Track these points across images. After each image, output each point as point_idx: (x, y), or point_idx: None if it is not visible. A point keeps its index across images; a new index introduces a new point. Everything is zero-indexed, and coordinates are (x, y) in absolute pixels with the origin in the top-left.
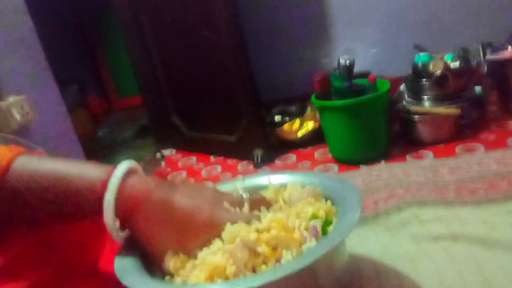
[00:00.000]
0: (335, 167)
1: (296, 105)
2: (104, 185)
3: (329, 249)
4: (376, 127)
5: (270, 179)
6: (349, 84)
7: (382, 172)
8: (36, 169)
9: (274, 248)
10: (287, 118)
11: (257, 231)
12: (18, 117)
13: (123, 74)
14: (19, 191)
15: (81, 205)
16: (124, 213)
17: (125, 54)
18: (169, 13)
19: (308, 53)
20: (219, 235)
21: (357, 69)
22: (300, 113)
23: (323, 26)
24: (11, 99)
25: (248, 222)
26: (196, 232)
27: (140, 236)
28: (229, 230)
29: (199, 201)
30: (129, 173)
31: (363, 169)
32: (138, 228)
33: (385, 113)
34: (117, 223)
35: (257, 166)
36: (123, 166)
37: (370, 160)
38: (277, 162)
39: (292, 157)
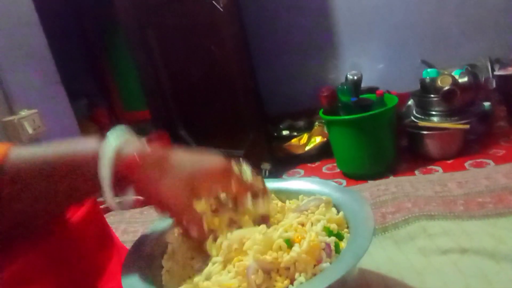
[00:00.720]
0: (343, 182)
1: (304, 120)
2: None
3: (343, 274)
4: (384, 142)
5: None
6: (356, 99)
7: (390, 186)
8: (32, 155)
9: (288, 268)
10: (295, 133)
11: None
12: (30, 130)
13: (131, 88)
14: (20, 181)
15: (81, 176)
16: (123, 172)
17: (132, 68)
18: (175, 27)
19: (314, 68)
20: (231, 176)
21: (364, 84)
22: (308, 128)
23: (330, 41)
24: (24, 113)
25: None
26: (207, 169)
27: (145, 193)
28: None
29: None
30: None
31: (371, 183)
32: (142, 185)
33: (393, 128)
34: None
35: None
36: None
37: (378, 175)
38: (285, 176)
39: (300, 171)
